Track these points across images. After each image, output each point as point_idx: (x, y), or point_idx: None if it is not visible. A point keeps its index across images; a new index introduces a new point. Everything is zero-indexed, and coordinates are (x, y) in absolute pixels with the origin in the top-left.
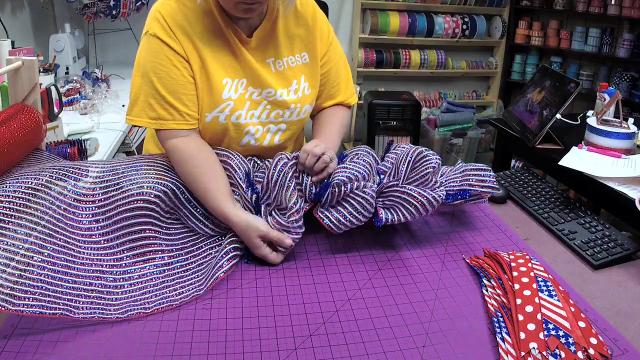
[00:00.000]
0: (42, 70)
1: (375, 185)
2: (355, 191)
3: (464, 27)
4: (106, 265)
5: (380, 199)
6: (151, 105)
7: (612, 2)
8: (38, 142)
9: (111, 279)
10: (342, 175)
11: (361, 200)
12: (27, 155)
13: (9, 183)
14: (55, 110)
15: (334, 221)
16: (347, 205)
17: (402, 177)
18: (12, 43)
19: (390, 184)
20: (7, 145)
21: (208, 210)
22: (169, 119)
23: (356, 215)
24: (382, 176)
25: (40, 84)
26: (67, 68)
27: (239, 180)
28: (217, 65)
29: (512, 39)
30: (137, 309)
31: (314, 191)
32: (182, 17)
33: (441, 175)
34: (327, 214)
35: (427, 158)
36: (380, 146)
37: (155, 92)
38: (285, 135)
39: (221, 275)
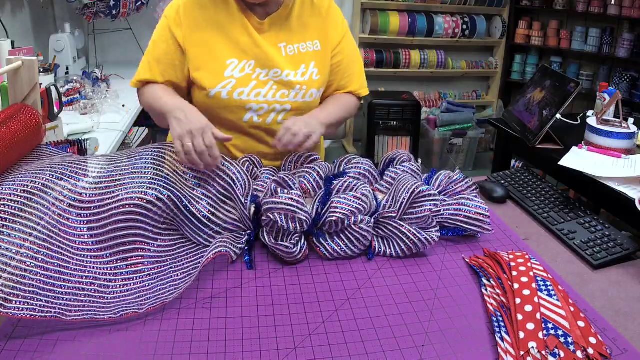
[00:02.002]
0: (42, 70)
1: (372, 220)
2: (353, 226)
3: (464, 27)
4: (98, 271)
5: (376, 229)
6: (142, 65)
7: (612, 2)
8: (38, 142)
9: (102, 283)
10: (340, 211)
11: (358, 236)
12: (29, 153)
13: (6, 185)
14: (55, 110)
15: (329, 250)
16: (343, 237)
17: (399, 211)
18: (12, 43)
19: (388, 215)
20: (7, 146)
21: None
22: (147, 69)
23: (351, 247)
24: (379, 199)
25: (40, 84)
26: (67, 68)
27: (238, 193)
28: (225, 47)
29: (512, 39)
30: (130, 309)
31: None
32: (197, 5)
33: (438, 187)
34: (323, 242)
35: (426, 198)
36: (380, 146)
37: (149, 52)
38: (289, 116)
39: (210, 256)
